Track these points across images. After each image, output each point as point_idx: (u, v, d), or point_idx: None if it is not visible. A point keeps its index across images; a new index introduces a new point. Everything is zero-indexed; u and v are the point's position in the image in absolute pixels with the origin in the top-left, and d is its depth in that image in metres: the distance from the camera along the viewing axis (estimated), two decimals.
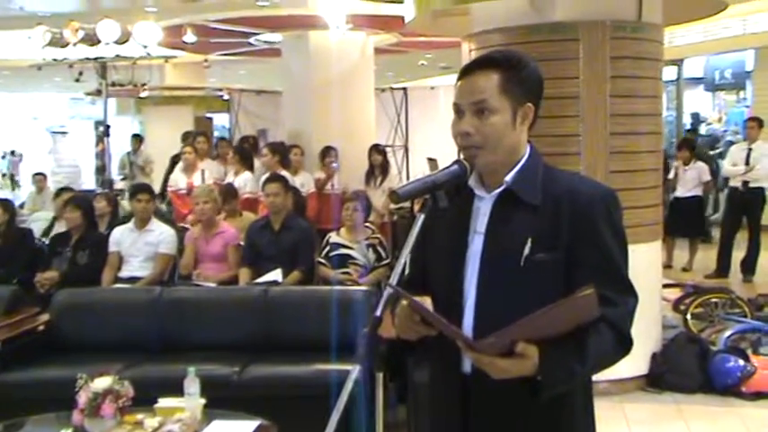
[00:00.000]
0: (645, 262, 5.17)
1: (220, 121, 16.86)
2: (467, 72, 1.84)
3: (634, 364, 5.16)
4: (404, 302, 1.81)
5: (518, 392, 1.72)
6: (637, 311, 5.61)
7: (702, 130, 15.62)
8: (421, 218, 1.82)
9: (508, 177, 1.84)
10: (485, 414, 1.83)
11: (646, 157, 5.13)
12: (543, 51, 4.92)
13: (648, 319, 5.27)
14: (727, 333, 5.76)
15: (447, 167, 1.86)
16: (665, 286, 7.28)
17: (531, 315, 1.62)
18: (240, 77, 18.32)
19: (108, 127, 8.98)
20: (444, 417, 1.92)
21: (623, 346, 1.80)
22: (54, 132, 20.79)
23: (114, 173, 11.95)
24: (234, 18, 8.43)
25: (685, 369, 5.17)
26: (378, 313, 1.74)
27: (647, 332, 5.25)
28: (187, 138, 9.42)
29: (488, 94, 1.79)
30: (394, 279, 1.77)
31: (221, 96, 14.31)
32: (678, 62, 14.23)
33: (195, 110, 14.88)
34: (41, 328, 4.75)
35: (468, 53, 5.43)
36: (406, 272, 1.96)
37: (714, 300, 6.48)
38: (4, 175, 22.94)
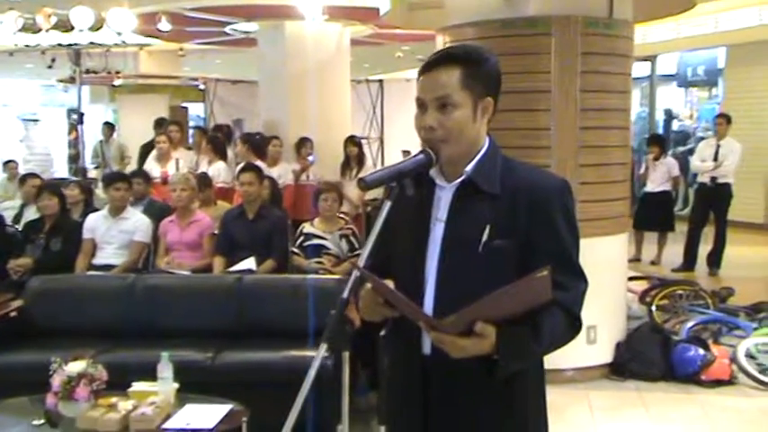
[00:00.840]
0: (611, 254, 5.32)
1: (196, 110, 16.80)
2: (429, 67, 1.89)
3: (599, 352, 5.29)
4: (368, 285, 1.88)
5: (475, 373, 1.81)
6: (603, 302, 5.72)
7: (674, 126, 15.84)
8: (387, 205, 1.90)
9: (468, 168, 1.91)
10: (443, 394, 1.91)
11: (614, 151, 5.25)
12: (516, 45, 5.02)
13: (613, 309, 5.41)
14: (690, 324, 5.92)
15: (413, 156, 1.93)
16: (633, 279, 7.46)
17: (490, 295, 1.69)
18: (217, 67, 18.20)
19: (81, 115, 8.93)
20: (405, 397, 1.99)
21: (574, 327, 1.91)
22: (25, 120, 20.51)
23: (88, 161, 11.89)
24: (209, 6, 8.42)
25: (648, 358, 5.31)
26: (344, 295, 1.81)
27: (612, 322, 5.38)
28: (160, 125, 9.40)
29: (451, 90, 1.86)
30: (361, 262, 1.84)
31: (197, 86, 14.29)
32: (651, 58, 14.42)
33: (171, 99, 14.84)
34: (14, 314, 4.76)
35: (442, 46, 5.49)
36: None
37: (679, 292, 6.64)
38: None
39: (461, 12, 5.29)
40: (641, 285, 7.23)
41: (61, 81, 14.24)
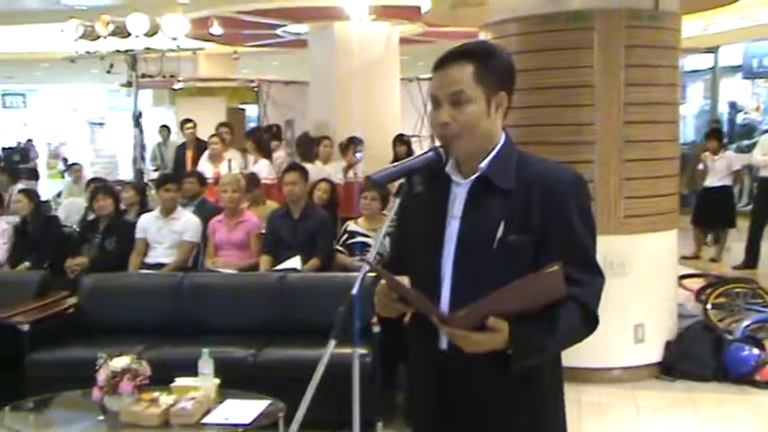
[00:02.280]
0: (660, 251, 5.21)
1: (253, 111, 17.06)
2: (442, 63, 1.91)
3: (647, 351, 5.19)
4: (382, 281, 1.90)
5: (492, 368, 1.81)
6: (651, 300, 5.61)
7: (739, 119, 15.36)
8: (397, 201, 1.92)
9: (483, 164, 1.91)
10: (461, 389, 1.92)
11: (662, 146, 5.13)
12: (558, 40, 4.98)
13: (663, 307, 5.29)
14: (746, 322, 5.74)
15: (423, 153, 1.95)
16: (689, 276, 7.29)
17: (501, 289, 1.70)
18: (274, 68, 18.49)
19: (138, 118, 9.20)
20: (423, 392, 2.01)
21: (590, 323, 1.88)
22: (92, 123, 21.20)
23: (148, 163, 12.21)
24: (259, 10, 8.56)
25: (699, 357, 5.18)
26: (354, 291, 1.84)
27: (661, 320, 5.27)
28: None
29: (464, 85, 1.86)
30: (371, 257, 1.87)
31: (254, 87, 14.50)
32: (713, 50, 14.02)
33: (228, 101, 15.07)
34: (69, 310, 4.94)
35: (503, 47, 5.47)
36: (387, 255, 2.04)
37: (737, 290, 6.45)
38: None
39: (503, 8, 5.26)
40: (698, 283, 7.06)
41: (123, 86, 14.64)
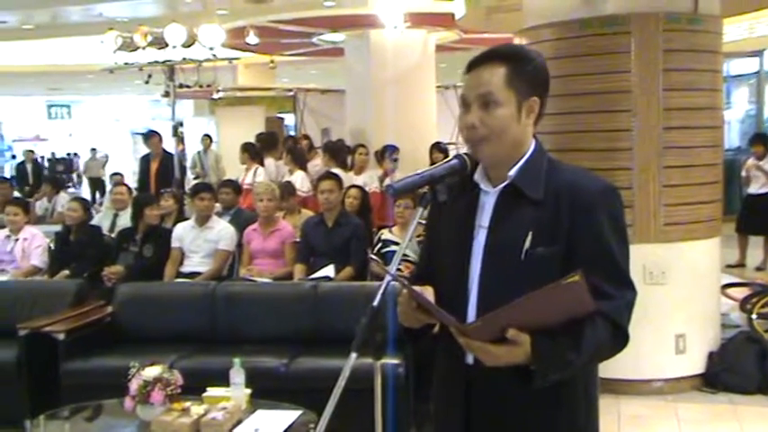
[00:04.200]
0: (701, 259, 5.08)
1: (291, 120, 17.21)
2: (474, 65, 1.86)
3: (689, 363, 5.05)
4: (403, 291, 1.86)
5: (517, 386, 1.75)
6: (692, 310, 5.46)
7: None
8: (419, 211, 1.88)
9: (512, 172, 1.86)
10: (486, 405, 1.86)
11: (703, 152, 5.00)
12: (594, 45, 4.89)
13: (705, 317, 5.15)
14: None
15: (447, 161, 1.90)
16: (733, 285, 7.10)
17: (518, 300, 1.64)
18: (311, 77, 18.61)
19: (177, 127, 9.33)
20: (448, 407, 1.96)
21: (619, 339, 1.80)
22: (135, 134, 21.56)
23: (188, 171, 12.36)
24: (295, 19, 8.60)
25: (743, 369, 5.03)
26: (375, 303, 1.80)
27: (703, 331, 5.13)
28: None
29: (494, 87, 1.81)
30: (393, 268, 1.83)
31: (291, 96, 14.62)
32: (759, 53, 13.71)
33: (267, 110, 15.23)
34: (105, 320, 4.98)
35: (537, 50, 5.40)
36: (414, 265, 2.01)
37: None
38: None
39: (538, 13, 5.19)
40: (742, 292, 6.87)
41: (164, 96, 14.88)
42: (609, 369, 4.55)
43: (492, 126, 1.82)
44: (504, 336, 1.68)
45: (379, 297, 1.81)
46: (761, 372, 5.02)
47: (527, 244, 1.80)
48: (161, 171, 8.61)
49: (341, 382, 1.78)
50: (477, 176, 1.91)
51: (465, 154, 1.90)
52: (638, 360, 4.87)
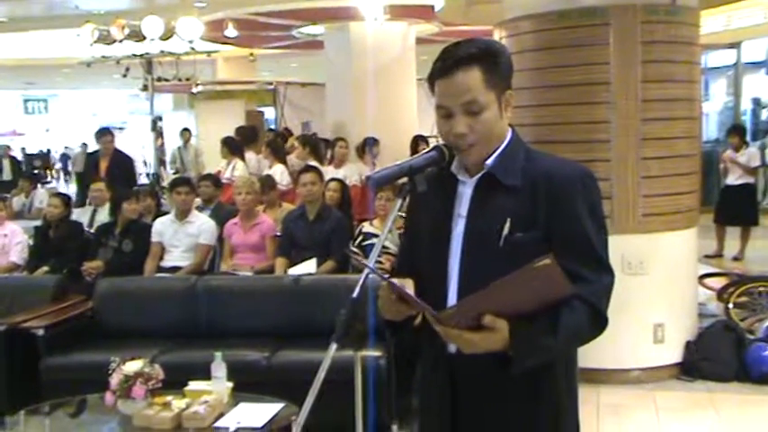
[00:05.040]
0: (679, 249, 5.13)
1: (272, 114, 17.14)
2: (448, 71, 1.82)
3: (667, 352, 5.11)
4: (383, 283, 1.87)
5: (501, 374, 1.76)
6: (671, 300, 5.50)
7: (763, 115, 15.14)
8: (398, 202, 1.88)
9: (489, 161, 1.87)
10: (470, 394, 1.87)
11: (680, 143, 5.05)
12: (573, 37, 4.91)
13: (683, 307, 5.21)
14: None
15: (425, 152, 1.91)
16: (710, 275, 7.17)
17: (491, 285, 1.65)
18: (292, 70, 18.53)
19: (154, 122, 9.26)
20: (432, 397, 1.97)
21: (598, 323, 1.82)
22: (112, 128, 21.34)
23: (168, 166, 12.30)
24: (274, 11, 8.55)
25: (720, 357, 5.09)
26: (354, 295, 1.81)
27: (681, 320, 5.19)
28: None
29: (476, 93, 1.80)
30: (372, 261, 1.83)
31: (272, 90, 14.55)
32: (736, 45, 13.83)
33: (247, 103, 15.14)
34: (85, 315, 4.95)
35: (498, 41, 5.41)
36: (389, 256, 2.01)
37: (760, 288, 6.32)
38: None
39: (517, 5, 5.20)
40: (720, 282, 6.94)
41: (143, 90, 14.75)
42: (587, 358, 4.57)
43: (480, 131, 1.82)
44: (480, 322, 1.69)
45: (358, 289, 1.81)
46: (737, 360, 5.09)
47: (505, 231, 1.82)
48: (111, 170, 8.21)
49: (320, 375, 1.78)
50: (455, 168, 1.92)
51: (444, 145, 1.91)
52: (617, 349, 4.92)
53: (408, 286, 1.85)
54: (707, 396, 4.85)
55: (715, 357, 5.11)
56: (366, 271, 1.82)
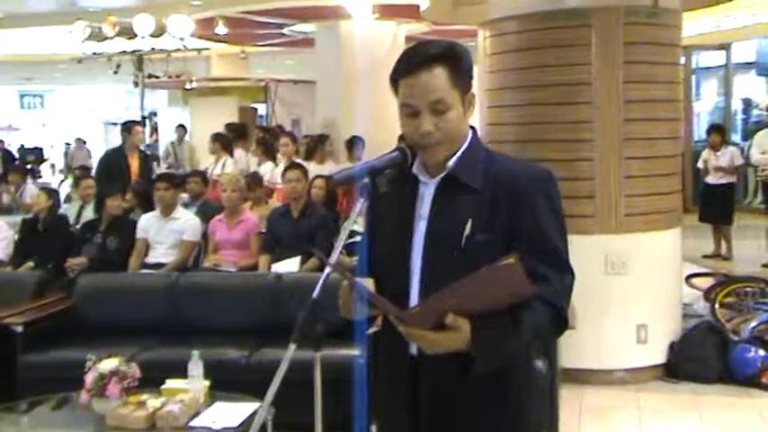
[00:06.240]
0: (662, 250, 5.14)
1: (265, 110, 17.13)
2: (413, 70, 1.83)
3: (650, 352, 5.12)
4: (344, 282, 1.87)
5: (462, 374, 1.76)
6: (654, 300, 5.51)
7: (753, 116, 15.17)
8: (360, 202, 1.88)
9: (450, 162, 1.87)
10: (432, 395, 1.87)
11: (662, 143, 5.06)
12: (556, 38, 4.92)
13: (666, 307, 5.22)
14: (754, 323, 5.61)
15: (388, 153, 1.91)
16: (698, 275, 7.17)
17: (453, 284, 1.65)
18: (287, 68, 18.50)
19: (144, 117, 9.24)
20: (393, 397, 1.97)
21: (558, 322, 1.83)
22: (107, 123, 21.34)
23: (161, 161, 12.27)
24: (264, 10, 8.54)
25: (704, 359, 5.09)
26: (315, 295, 1.81)
27: (664, 321, 5.20)
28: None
29: (443, 92, 1.81)
30: (333, 259, 1.83)
31: (265, 87, 14.55)
32: (726, 46, 13.85)
33: (240, 100, 15.14)
34: (65, 311, 4.92)
35: (483, 40, 5.42)
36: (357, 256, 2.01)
37: (747, 289, 6.32)
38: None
39: (503, 5, 5.20)
40: (707, 282, 6.94)
41: (135, 86, 14.73)
42: (571, 359, 4.63)
43: (446, 130, 1.83)
44: (442, 322, 1.69)
45: (318, 289, 1.81)
46: (721, 361, 5.09)
47: (467, 231, 1.82)
48: (142, 168, 7.60)
49: (280, 372, 1.79)
50: (416, 169, 1.92)
51: (407, 146, 1.91)
52: (600, 350, 4.92)
53: (369, 285, 1.85)
54: (691, 397, 4.85)
55: (699, 359, 5.10)
56: (327, 270, 1.82)
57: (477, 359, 1.71)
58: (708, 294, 6.50)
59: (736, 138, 13.95)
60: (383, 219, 1.98)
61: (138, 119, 9.82)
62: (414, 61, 1.83)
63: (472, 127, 1.94)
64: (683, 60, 12.76)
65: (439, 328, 1.69)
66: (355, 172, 1.87)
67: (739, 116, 14.94)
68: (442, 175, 1.88)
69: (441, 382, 1.84)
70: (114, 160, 7.73)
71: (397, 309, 1.75)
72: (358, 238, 5.73)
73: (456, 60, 1.84)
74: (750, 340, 5.27)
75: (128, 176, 7.35)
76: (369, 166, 1.87)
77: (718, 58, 14.26)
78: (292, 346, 1.80)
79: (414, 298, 1.87)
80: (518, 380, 1.89)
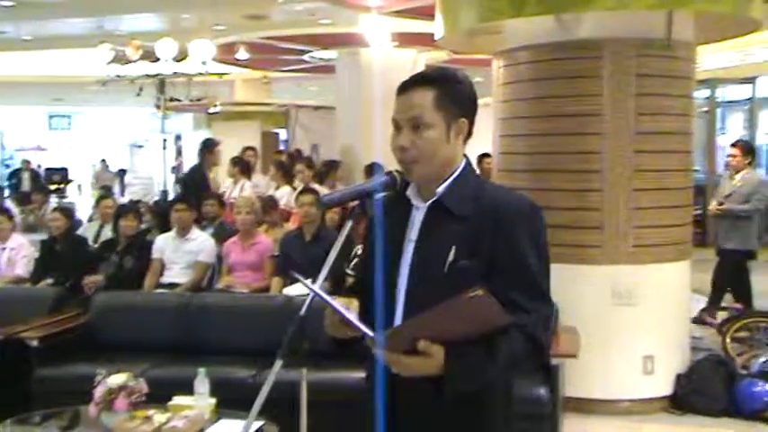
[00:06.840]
0: (670, 282, 5.13)
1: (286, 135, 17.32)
2: (404, 89, 1.95)
3: (657, 384, 5.10)
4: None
5: (436, 396, 1.80)
6: (661, 332, 5.48)
7: None
8: (349, 224, 1.96)
9: (440, 189, 1.94)
10: (411, 415, 1.92)
11: (673, 175, 5.07)
12: (567, 69, 4.98)
13: (673, 339, 5.20)
14: (763, 358, 5.58)
15: (378, 177, 1.98)
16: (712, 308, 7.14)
17: (425, 312, 1.71)
18: (310, 93, 18.71)
19: (165, 141, 9.42)
20: (374, 416, 2.01)
21: (534, 351, 1.87)
22: (132, 146, 21.64)
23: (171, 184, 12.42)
24: (285, 36, 8.70)
25: (711, 391, 5.07)
26: (302, 313, 1.87)
27: (671, 352, 5.18)
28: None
29: (423, 110, 1.90)
30: (318, 281, 1.90)
31: (286, 112, 14.75)
32: (751, 80, 13.81)
33: (262, 125, 15.33)
34: (80, 328, 5.03)
35: (497, 70, 5.50)
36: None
37: (760, 323, 6.29)
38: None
39: (516, 36, 5.27)
40: (721, 316, 6.93)
41: (168, 109, 14.96)
42: (576, 388, 4.64)
43: (422, 148, 1.90)
44: (416, 347, 1.74)
45: (305, 308, 1.88)
46: (728, 394, 5.06)
47: (450, 257, 1.88)
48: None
49: (265, 389, 1.85)
50: (410, 192, 1.99)
51: (397, 171, 1.98)
52: (606, 380, 4.92)
53: (353, 308, 1.92)
54: (696, 430, 4.83)
55: (705, 392, 5.08)
56: (311, 293, 1.89)
57: (447, 384, 1.76)
58: (721, 327, 6.48)
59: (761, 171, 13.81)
60: (375, 241, 2.05)
61: (161, 142, 10.02)
62: (408, 81, 1.95)
63: (466, 156, 2.01)
64: (707, 94, 12.70)
65: (413, 352, 1.75)
66: (345, 195, 1.96)
67: (764, 149, 14.81)
68: (432, 200, 1.95)
69: (416, 401, 1.89)
70: (194, 177, 8.18)
71: (366, 330, 1.81)
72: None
73: (448, 85, 1.93)
74: (758, 374, 5.24)
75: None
76: (357, 189, 1.95)
77: (743, 91, 14.21)
78: (279, 362, 1.86)
79: (398, 320, 1.93)
80: (495, 407, 1.94)
